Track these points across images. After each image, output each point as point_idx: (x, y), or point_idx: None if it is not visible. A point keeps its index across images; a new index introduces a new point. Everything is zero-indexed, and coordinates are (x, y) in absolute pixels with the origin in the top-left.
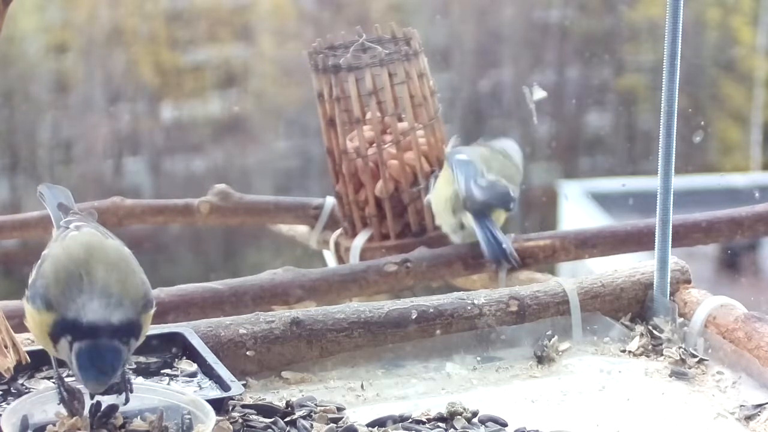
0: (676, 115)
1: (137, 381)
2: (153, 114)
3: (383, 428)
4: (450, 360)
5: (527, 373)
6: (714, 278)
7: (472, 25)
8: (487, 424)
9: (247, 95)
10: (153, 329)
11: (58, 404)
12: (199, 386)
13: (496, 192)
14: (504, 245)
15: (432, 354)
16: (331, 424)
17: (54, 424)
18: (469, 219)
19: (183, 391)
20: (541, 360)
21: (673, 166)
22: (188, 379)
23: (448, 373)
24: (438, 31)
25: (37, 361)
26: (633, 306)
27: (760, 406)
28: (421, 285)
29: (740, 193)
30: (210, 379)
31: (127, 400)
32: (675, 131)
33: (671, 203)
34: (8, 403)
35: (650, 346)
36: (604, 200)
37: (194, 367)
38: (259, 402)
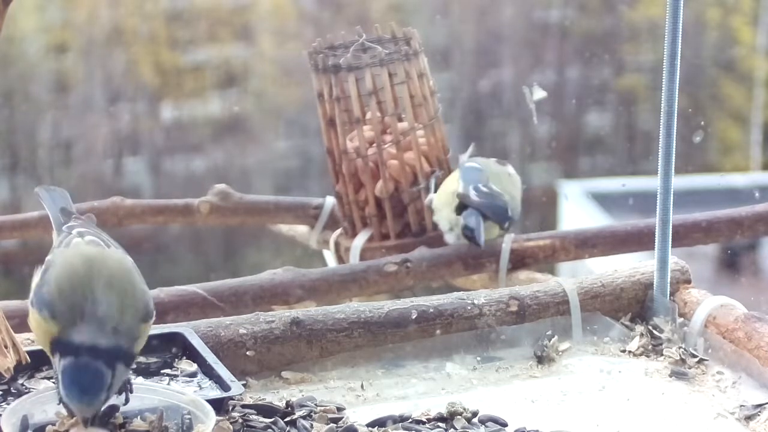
0: (676, 115)
1: (137, 381)
2: (153, 114)
3: (383, 428)
4: (450, 360)
5: (527, 373)
6: (714, 278)
7: (472, 25)
8: (487, 424)
9: (247, 95)
10: (153, 329)
11: (58, 404)
12: (199, 386)
13: (493, 203)
14: (477, 232)
15: (432, 354)
16: (331, 424)
17: (54, 424)
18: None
19: (183, 391)
20: (541, 360)
21: (673, 166)
22: (188, 379)
23: (448, 373)
24: (438, 31)
25: (37, 361)
26: (633, 306)
27: (760, 406)
28: (421, 285)
29: (740, 193)
30: (210, 379)
31: (127, 400)
32: (675, 131)
33: (671, 203)
34: (8, 403)
35: (650, 346)
36: (604, 200)
37: (194, 367)
38: (259, 402)
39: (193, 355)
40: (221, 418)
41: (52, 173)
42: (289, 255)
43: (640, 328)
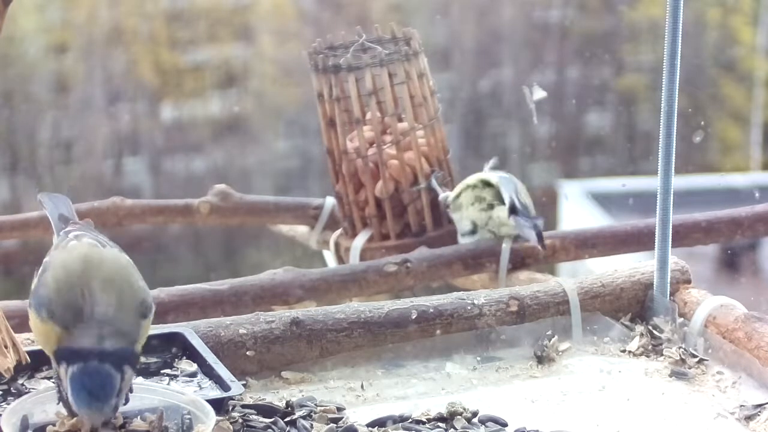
0: (676, 115)
1: (137, 381)
2: (153, 114)
3: (383, 428)
4: (450, 360)
5: (527, 373)
6: (714, 278)
7: (472, 25)
8: (487, 424)
9: (247, 95)
10: (153, 329)
11: (58, 404)
12: (199, 386)
13: (535, 221)
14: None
15: (432, 354)
16: (331, 424)
17: (54, 424)
18: (504, 215)
19: (183, 391)
20: (541, 360)
21: (673, 166)
22: (188, 379)
23: (448, 373)
24: (438, 31)
25: (37, 361)
26: (633, 306)
27: (760, 406)
28: (421, 285)
29: (740, 193)
30: (210, 379)
31: (127, 400)
32: (675, 131)
33: (671, 203)
34: (8, 403)
35: (650, 346)
36: (604, 200)
37: (194, 367)
38: (259, 402)
39: (193, 355)
40: (221, 418)
41: (52, 173)
42: (289, 255)
43: (640, 328)
